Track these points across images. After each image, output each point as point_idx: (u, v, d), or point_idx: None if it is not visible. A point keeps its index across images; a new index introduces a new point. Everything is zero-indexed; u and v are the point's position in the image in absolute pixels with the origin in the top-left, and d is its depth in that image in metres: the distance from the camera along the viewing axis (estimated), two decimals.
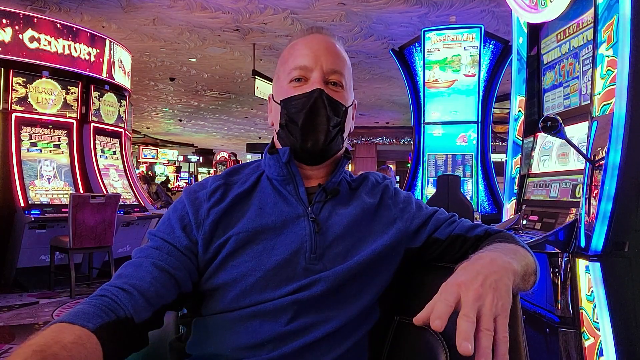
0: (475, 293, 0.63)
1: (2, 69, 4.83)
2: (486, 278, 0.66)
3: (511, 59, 2.78)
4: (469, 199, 4.64)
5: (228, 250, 0.81)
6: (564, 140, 1.82)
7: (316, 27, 0.93)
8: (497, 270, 0.68)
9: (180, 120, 15.52)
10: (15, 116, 4.89)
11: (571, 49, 2.16)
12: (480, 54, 5.00)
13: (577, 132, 2.02)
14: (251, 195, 0.89)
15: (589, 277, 1.73)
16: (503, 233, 0.89)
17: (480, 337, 0.59)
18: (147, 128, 17.43)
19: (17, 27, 4.82)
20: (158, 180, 10.01)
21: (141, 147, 18.13)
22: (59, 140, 5.27)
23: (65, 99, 5.27)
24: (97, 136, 5.60)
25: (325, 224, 0.86)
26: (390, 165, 7.16)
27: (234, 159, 19.03)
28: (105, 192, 5.12)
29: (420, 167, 5.29)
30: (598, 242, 1.70)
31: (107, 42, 5.67)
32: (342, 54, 0.91)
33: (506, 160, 2.57)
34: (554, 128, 1.70)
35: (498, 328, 0.61)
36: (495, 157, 5.55)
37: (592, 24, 1.88)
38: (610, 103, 1.72)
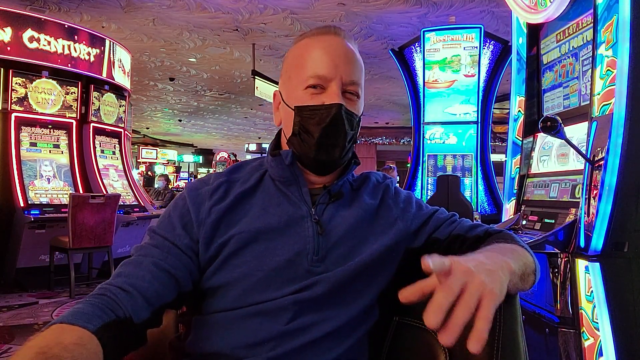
0: (465, 269, 0.61)
1: (2, 69, 4.83)
2: (481, 264, 0.64)
3: (511, 59, 2.78)
4: (468, 199, 4.65)
5: (230, 250, 0.81)
6: (563, 141, 1.82)
7: (332, 26, 0.90)
8: (492, 264, 0.67)
9: (180, 121, 15.52)
10: (15, 116, 4.89)
11: (571, 49, 2.16)
12: (479, 54, 5.00)
13: (577, 132, 2.03)
14: (254, 194, 0.88)
15: (588, 277, 1.73)
16: (502, 233, 0.89)
17: (454, 310, 0.56)
18: (147, 128, 17.43)
19: (16, 27, 4.82)
20: (159, 180, 10.22)
21: (141, 147, 18.12)
22: (59, 141, 5.27)
23: (64, 99, 5.27)
24: (96, 136, 5.60)
25: (328, 226, 0.85)
26: (394, 165, 7.14)
27: (234, 158, 19.03)
28: (104, 192, 5.12)
29: (420, 167, 5.30)
30: (598, 242, 1.70)
31: (107, 42, 5.67)
32: (359, 62, 0.89)
33: (506, 160, 2.57)
34: (554, 128, 1.70)
35: (481, 306, 0.58)
36: (495, 157, 5.56)
37: (592, 24, 1.88)
38: (610, 103, 1.72)
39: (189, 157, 22.01)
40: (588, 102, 1.89)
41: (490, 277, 0.62)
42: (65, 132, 5.31)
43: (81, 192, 5.07)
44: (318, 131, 0.83)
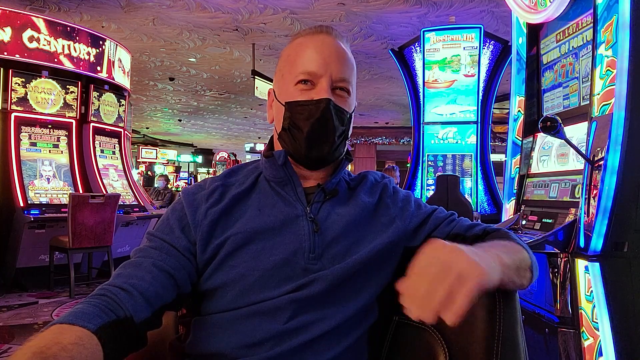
0: (455, 248, 0.65)
1: (2, 69, 4.83)
2: (471, 250, 0.66)
3: (511, 59, 2.78)
4: (468, 198, 4.65)
5: (227, 251, 0.82)
6: (563, 141, 1.82)
7: (325, 26, 0.91)
8: (483, 252, 0.68)
9: (180, 120, 15.52)
10: (15, 116, 4.89)
11: (571, 49, 2.16)
12: (479, 54, 5.00)
13: (577, 132, 2.03)
14: (250, 196, 0.89)
15: (588, 277, 1.73)
16: (500, 231, 0.89)
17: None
18: (147, 128, 17.43)
19: (16, 27, 4.82)
20: (159, 180, 10.33)
21: (141, 147, 18.11)
22: (59, 140, 5.27)
23: (64, 98, 5.27)
24: (96, 136, 5.60)
25: (324, 224, 0.86)
26: (396, 166, 7.14)
27: (234, 158, 19.02)
28: (104, 192, 5.12)
29: (420, 167, 5.30)
30: (597, 242, 1.70)
31: (107, 42, 5.67)
32: (350, 60, 0.90)
33: (505, 160, 2.57)
34: (554, 128, 1.70)
35: (466, 282, 0.61)
36: (494, 157, 5.56)
37: (592, 24, 1.88)
38: (610, 103, 1.72)
39: (187, 157, 21.96)
40: (588, 102, 1.89)
41: (480, 259, 0.64)
42: (65, 131, 5.31)
43: (81, 192, 5.07)
44: (307, 126, 0.85)
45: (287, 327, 0.78)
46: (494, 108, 5.38)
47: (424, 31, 5.20)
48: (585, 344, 1.76)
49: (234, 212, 0.86)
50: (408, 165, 5.62)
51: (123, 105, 6.08)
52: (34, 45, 4.93)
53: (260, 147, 18.16)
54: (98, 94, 5.63)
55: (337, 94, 0.87)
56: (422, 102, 5.26)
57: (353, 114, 0.92)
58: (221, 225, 0.84)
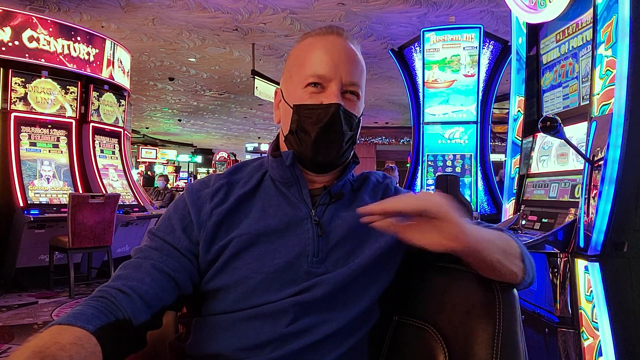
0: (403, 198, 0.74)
1: (2, 69, 4.83)
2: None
3: (510, 59, 2.78)
4: (468, 198, 4.65)
5: (230, 253, 0.81)
6: (563, 141, 1.82)
7: (335, 27, 0.90)
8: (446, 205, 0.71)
9: (180, 120, 15.52)
10: (15, 116, 4.89)
11: (570, 49, 2.16)
12: (479, 54, 5.00)
13: (576, 132, 2.03)
14: (254, 196, 0.88)
15: (588, 277, 1.73)
16: (500, 228, 0.89)
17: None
18: (147, 128, 17.43)
19: (16, 27, 4.82)
20: (159, 180, 10.37)
21: (140, 147, 18.11)
22: (58, 140, 5.26)
23: (64, 98, 5.27)
24: (96, 136, 5.60)
25: (328, 227, 0.85)
26: (395, 166, 7.15)
27: (234, 158, 19.01)
28: (104, 192, 5.12)
29: (420, 167, 5.30)
30: (597, 242, 1.70)
31: (107, 42, 5.67)
32: (360, 62, 0.89)
33: (505, 160, 2.57)
34: (553, 128, 1.70)
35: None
36: (494, 157, 5.55)
37: (591, 24, 1.88)
38: (610, 103, 1.72)
39: (186, 157, 21.91)
40: (588, 102, 1.89)
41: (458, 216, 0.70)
42: (64, 131, 5.31)
43: (81, 191, 5.07)
44: (315, 130, 0.83)
45: (289, 330, 0.77)
46: (494, 108, 5.38)
47: (423, 31, 5.19)
48: (585, 344, 1.76)
49: (239, 212, 0.85)
50: (408, 165, 5.62)
51: (123, 105, 6.07)
52: (33, 45, 4.93)
53: (264, 147, 18.13)
54: (98, 94, 5.63)
55: (346, 97, 0.85)
56: (421, 102, 5.25)
57: (361, 117, 0.90)
58: (225, 226, 0.83)
